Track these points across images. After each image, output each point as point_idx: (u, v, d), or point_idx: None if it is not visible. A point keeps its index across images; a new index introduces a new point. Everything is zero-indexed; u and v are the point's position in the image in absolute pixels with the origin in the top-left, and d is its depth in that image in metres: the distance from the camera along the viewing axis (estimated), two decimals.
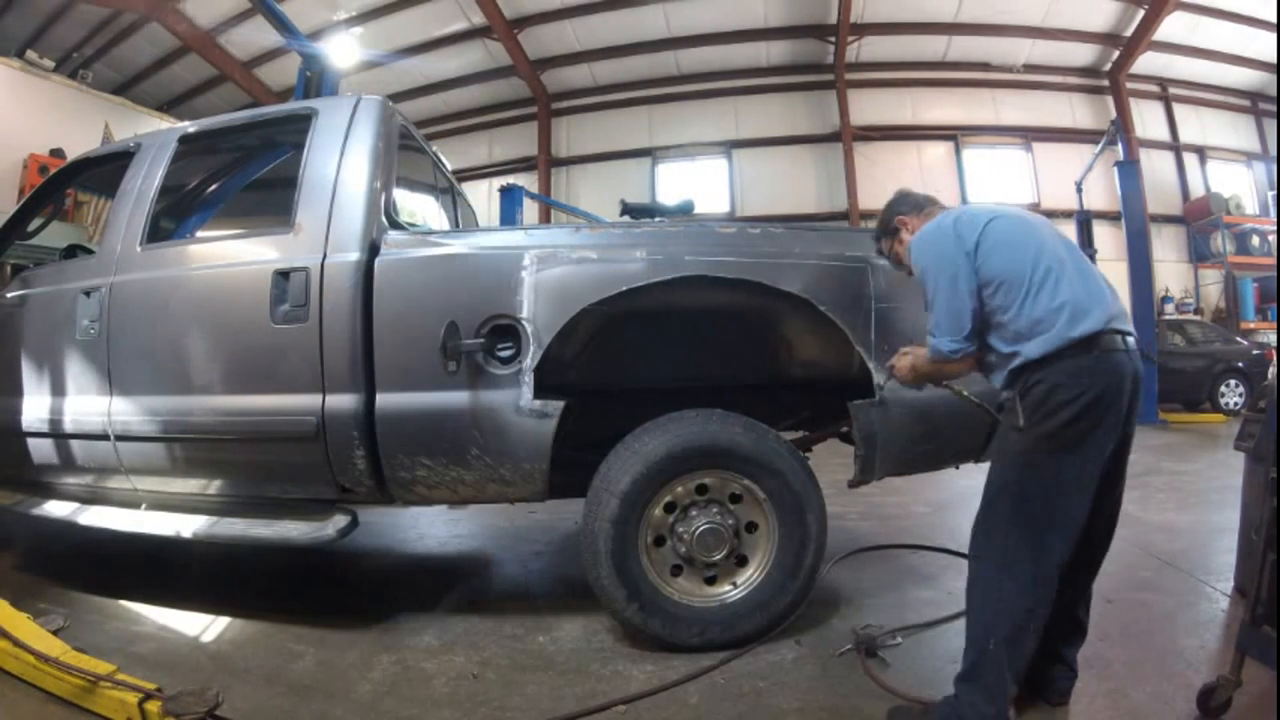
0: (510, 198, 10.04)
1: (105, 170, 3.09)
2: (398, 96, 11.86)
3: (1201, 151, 13.10)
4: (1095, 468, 1.64)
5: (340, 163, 2.40)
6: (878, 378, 2.23)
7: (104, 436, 2.53)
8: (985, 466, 1.80)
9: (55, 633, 2.12)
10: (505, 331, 2.21)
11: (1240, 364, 9.59)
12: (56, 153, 7.58)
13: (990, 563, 1.66)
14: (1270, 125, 13.06)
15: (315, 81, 6.50)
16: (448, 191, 3.76)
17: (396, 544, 3.70)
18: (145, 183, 2.71)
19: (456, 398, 2.20)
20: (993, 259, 1.70)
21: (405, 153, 2.79)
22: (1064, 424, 1.59)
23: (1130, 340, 1.68)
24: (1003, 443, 1.73)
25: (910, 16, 11.76)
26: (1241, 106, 13.31)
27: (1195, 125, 13.08)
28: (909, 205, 2.00)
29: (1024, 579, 1.61)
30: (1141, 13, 11.24)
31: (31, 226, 3.29)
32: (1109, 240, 11.07)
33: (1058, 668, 1.79)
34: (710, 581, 2.25)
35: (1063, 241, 1.78)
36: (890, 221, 2.03)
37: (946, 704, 1.66)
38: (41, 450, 2.76)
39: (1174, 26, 11.42)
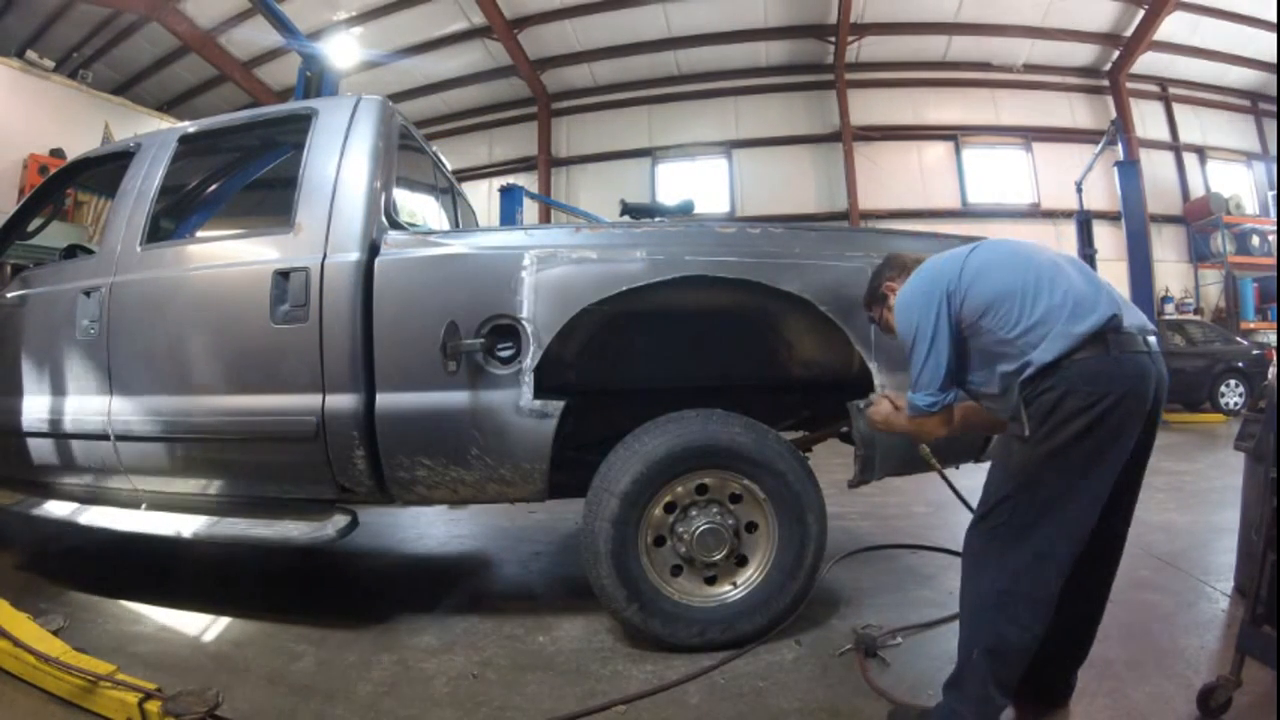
0: (510, 198, 10.07)
1: (105, 170, 3.09)
2: (398, 96, 11.86)
3: (1201, 151, 13.12)
4: (1108, 482, 1.53)
5: (340, 163, 2.40)
6: (878, 378, 2.23)
7: (104, 436, 2.52)
8: (986, 466, 1.79)
9: (55, 633, 2.11)
10: (505, 331, 2.21)
11: (1240, 364, 9.60)
12: (56, 153, 7.59)
13: (983, 572, 1.59)
14: (1270, 125, 13.07)
15: (315, 81, 6.51)
16: (448, 191, 3.76)
17: (396, 544, 3.70)
18: (145, 183, 2.71)
19: (456, 398, 2.20)
20: (979, 284, 1.62)
21: (405, 153, 2.79)
22: (1075, 437, 1.47)
23: (1154, 341, 1.56)
24: (1005, 451, 1.62)
25: (910, 16, 11.78)
26: (1241, 106, 13.33)
27: (1195, 125, 13.09)
28: (896, 269, 1.89)
29: (1017, 593, 1.53)
30: (1141, 13, 11.25)
31: (31, 226, 3.29)
32: (1109, 240, 11.08)
33: (1057, 677, 1.77)
34: (710, 581, 2.25)
35: (1057, 254, 1.70)
36: (878, 289, 1.93)
37: (937, 710, 1.63)
38: (41, 450, 2.76)
39: (1174, 26, 11.43)
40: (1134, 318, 1.56)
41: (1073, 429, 1.47)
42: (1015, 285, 1.58)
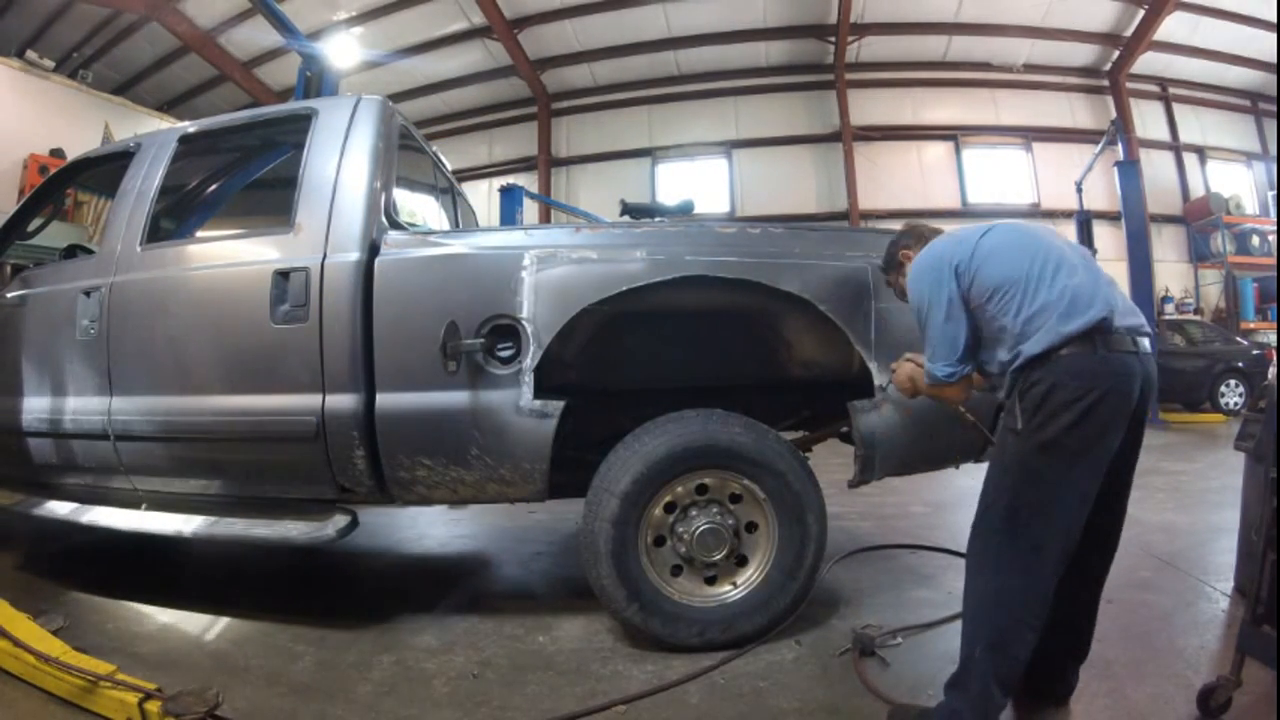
0: (510, 198, 10.05)
1: (105, 170, 3.09)
2: (398, 96, 11.85)
3: (1201, 151, 13.10)
4: (1096, 479, 1.56)
5: (340, 163, 2.40)
6: (878, 378, 2.23)
7: (104, 436, 2.52)
8: (985, 467, 1.79)
9: (55, 633, 2.11)
10: (505, 331, 2.21)
11: (1240, 364, 9.60)
12: (56, 153, 7.59)
13: (982, 571, 1.62)
14: (1270, 125, 13.05)
15: (315, 81, 6.51)
16: (448, 191, 3.76)
17: (396, 544, 3.70)
18: (145, 183, 2.71)
19: (456, 398, 2.20)
20: (987, 267, 1.66)
21: (405, 153, 2.79)
22: (1064, 430, 1.51)
23: (1144, 342, 1.59)
24: (1000, 447, 1.66)
25: (910, 16, 11.77)
26: (1241, 106, 13.31)
27: (1195, 125, 13.08)
28: (913, 237, 1.96)
29: (1015, 589, 1.55)
30: (1141, 13, 11.24)
31: (31, 226, 3.29)
32: (1109, 240, 11.07)
33: (1057, 675, 1.78)
34: (710, 581, 2.25)
35: (1069, 244, 1.74)
36: (895, 256, 1.99)
37: (938, 710, 1.64)
38: (42, 450, 2.76)
39: (1174, 26, 11.42)
40: (1128, 319, 1.59)
41: (1062, 421, 1.51)
42: (1020, 273, 1.62)
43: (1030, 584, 1.56)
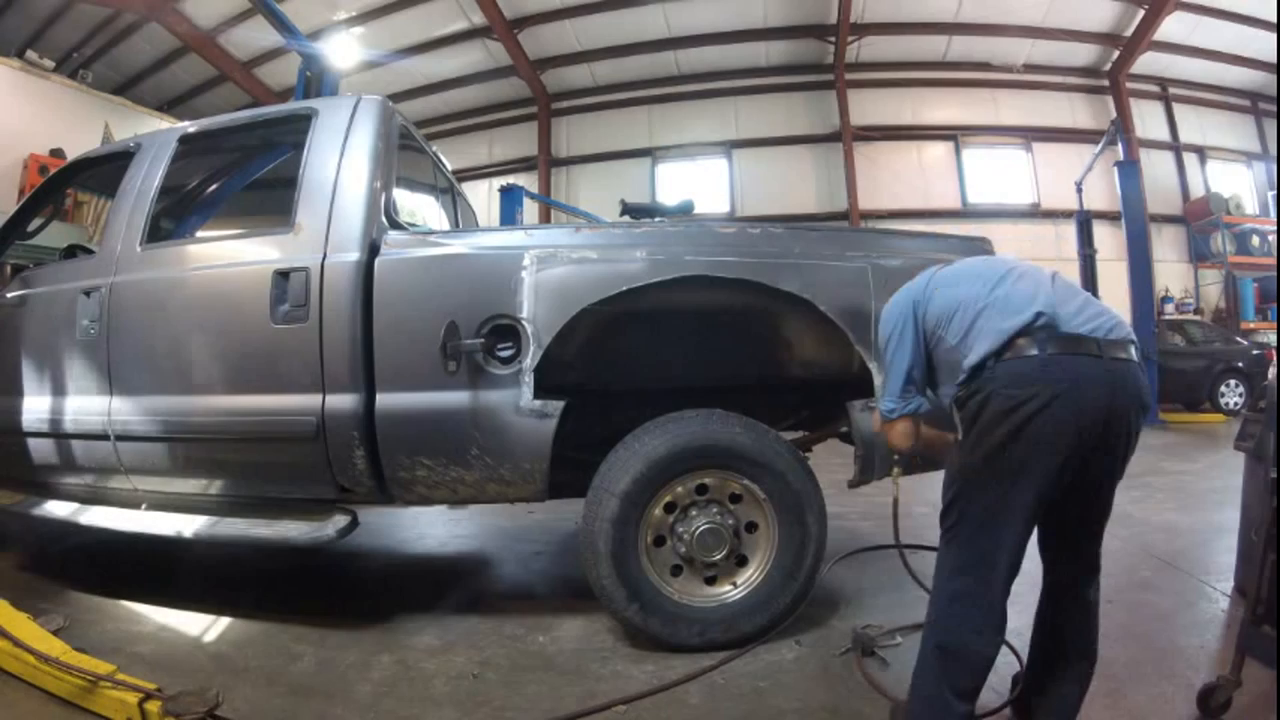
0: (510, 198, 10.05)
1: (105, 170, 3.09)
2: (398, 96, 11.86)
3: (1201, 151, 13.11)
4: (1040, 495, 1.42)
5: (340, 163, 2.40)
6: (878, 378, 2.23)
7: (104, 436, 2.53)
8: None
9: (55, 633, 2.12)
10: (505, 331, 2.21)
11: (1240, 364, 9.61)
12: (56, 153, 7.58)
13: (940, 572, 1.56)
14: (1270, 125, 13.06)
15: (315, 81, 6.50)
16: (448, 191, 3.76)
17: (396, 544, 3.70)
18: (145, 183, 2.71)
19: (456, 398, 2.20)
20: (939, 295, 1.63)
21: (405, 153, 2.80)
22: (998, 446, 1.40)
23: (1117, 347, 1.44)
24: (952, 454, 1.59)
25: (910, 16, 11.77)
26: (1241, 106, 13.32)
27: (1195, 125, 13.08)
28: None
29: (965, 594, 1.48)
30: (1141, 13, 11.24)
31: (31, 226, 3.29)
32: (1109, 240, 11.05)
33: (1055, 698, 1.65)
34: (710, 581, 2.25)
35: (1030, 268, 1.63)
36: None
37: (902, 708, 1.62)
38: (42, 450, 2.76)
39: (1174, 26, 11.43)
40: (1094, 321, 1.46)
41: (995, 438, 1.41)
42: (968, 295, 1.58)
43: (980, 592, 1.47)
